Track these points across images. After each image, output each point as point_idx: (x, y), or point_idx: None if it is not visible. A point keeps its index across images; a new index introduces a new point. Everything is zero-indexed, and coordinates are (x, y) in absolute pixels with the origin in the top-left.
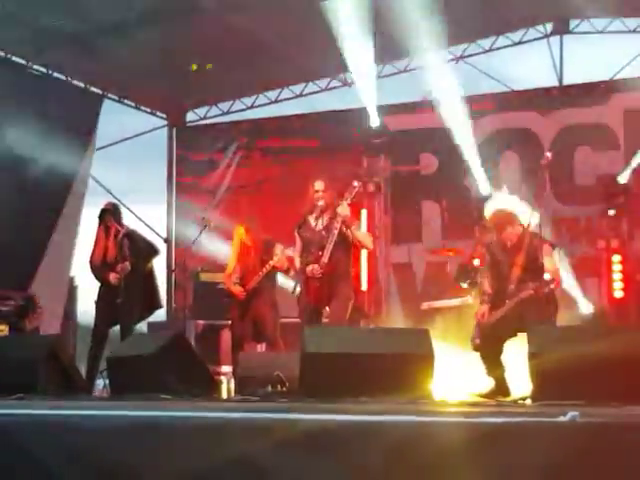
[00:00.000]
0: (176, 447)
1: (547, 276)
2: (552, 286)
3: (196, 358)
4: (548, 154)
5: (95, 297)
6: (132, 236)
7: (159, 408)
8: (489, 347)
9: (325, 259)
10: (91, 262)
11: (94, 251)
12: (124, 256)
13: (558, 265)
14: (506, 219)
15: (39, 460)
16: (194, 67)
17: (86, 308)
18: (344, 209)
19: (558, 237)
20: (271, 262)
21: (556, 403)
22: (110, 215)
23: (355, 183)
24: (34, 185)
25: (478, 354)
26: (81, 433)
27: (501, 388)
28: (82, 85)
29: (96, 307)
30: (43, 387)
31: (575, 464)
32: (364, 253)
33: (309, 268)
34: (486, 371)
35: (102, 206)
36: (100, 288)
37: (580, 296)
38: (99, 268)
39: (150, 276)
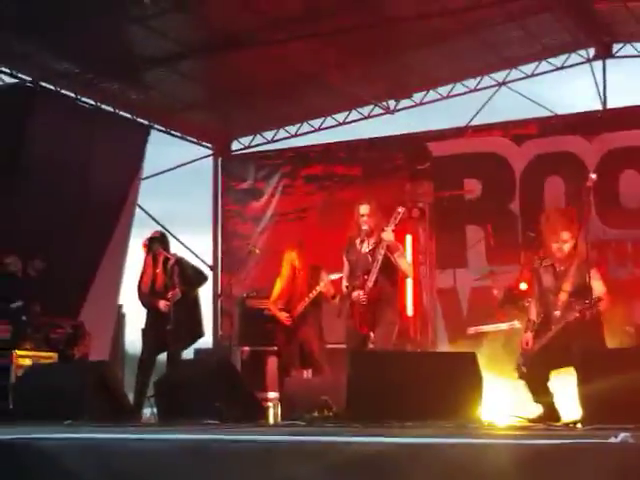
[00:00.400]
0: (225, 471)
1: (593, 297)
2: (599, 307)
3: (242, 384)
4: (593, 175)
5: (143, 325)
6: (181, 264)
7: (207, 432)
8: (535, 375)
9: (370, 283)
10: (139, 290)
11: (142, 279)
12: (174, 283)
13: (604, 287)
14: (560, 223)
15: None
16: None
17: (133, 336)
18: (388, 235)
19: (604, 260)
20: (318, 288)
21: (607, 427)
22: (158, 243)
23: (399, 209)
24: (83, 214)
25: (524, 382)
26: (129, 457)
27: (550, 414)
28: (129, 116)
29: (144, 334)
30: (92, 413)
31: None
32: (409, 279)
33: (355, 294)
34: (533, 399)
35: (150, 235)
36: (148, 316)
37: None
38: (147, 296)
39: (195, 304)
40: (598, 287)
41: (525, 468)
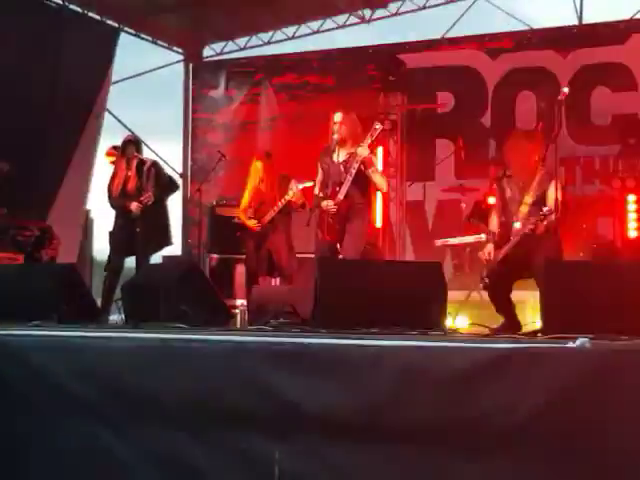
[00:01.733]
0: (192, 370)
1: (545, 209)
2: (552, 217)
3: (211, 289)
4: (565, 89)
5: (111, 228)
6: (159, 168)
7: (172, 333)
8: (496, 286)
9: (341, 196)
10: (109, 191)
11: (113, 181)
12: (145, 187)
13: (562, 198)
14: (523, 149)
15: (55, 379)
16: None
17: (101, 243)
18: (364, 150)
19: (572, 176)
20: (286, 196)
21: (566, 336)
22: (133, 146)
23: (377, 125)
24: (51, 117)
25: (488, 293)
26: (98, 355)
27: (512, 324)
28: (98, 18)
29: (112, 237)
30: (59, 316)
31: (584, 387)
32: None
33: (324, 203)
34: (496, 309)
35: (124, 138)
36: (116, 218)
37: None
38: (118, 198)
39: (165, 211)
40: (551, 194)
41: (486, 370)
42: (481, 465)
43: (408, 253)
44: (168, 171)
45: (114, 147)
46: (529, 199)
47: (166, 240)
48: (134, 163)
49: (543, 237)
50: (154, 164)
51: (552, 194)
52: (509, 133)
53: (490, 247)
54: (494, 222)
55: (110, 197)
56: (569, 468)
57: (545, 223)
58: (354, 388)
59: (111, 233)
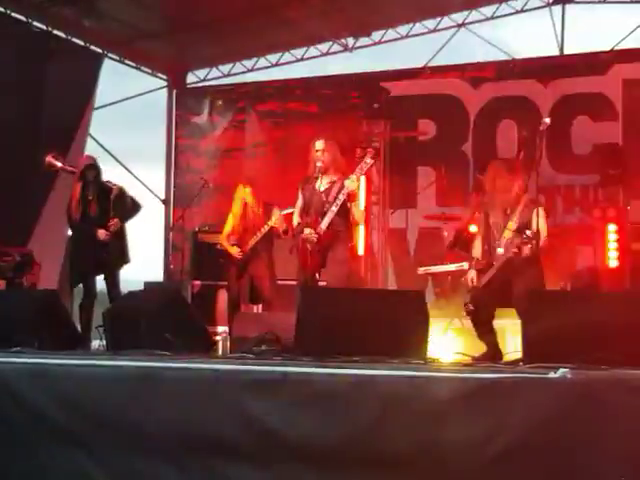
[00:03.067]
0: (171, 398)
1: (528, 232)
2: (534, 243)
3: (193, 316)
4: (547, 120)
5: (71, 249)
6: (124, 193)
7: (155, 360)
8: (480, 312)
9: (323, 226)
10: (69, 215)
11: (71, 204)
12: (107, 211)
13: (545, 225)
14: (505, 177)
15: (34, 407)
16: None
17: None
18: (352, 184)
19: (552, 205)
20: (269, 223)
21: (547, 365)
22: (94, 170)
23: (368, 159)
24: (32, 143)
25: (470, 320)
26: (80, 383)
27: (494, 352)
28: (82, 43)
29: (75, 259)
30: (40, 342)
31: (564, 419)
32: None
33: (306, 231)
34: (478, 336)
35: (85, 161)
36: (76, 241)
37: None
38: (81, 222)
39: (122, 231)
40: (541, 225)
41: (467, 400)
42: None
43: (390, 281)
44: (150, 197)
45: (54, 156)
46: (513, 225)
47: (125, 259)
48: (94, 187)
49: (526, 264)
50: (120, 190)
51: (535, 221)
52: (490, 162)
53: (473, 273)
54: (477, 248)
55: (70, 220)
56: None
57: (529, 247)
58: (335, 417)
59: (72, 254)
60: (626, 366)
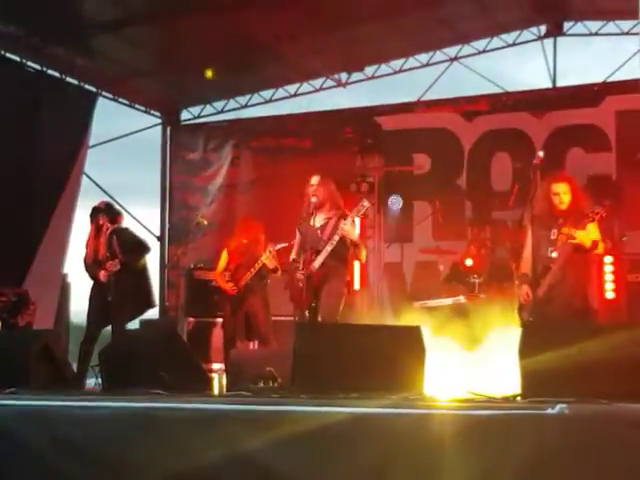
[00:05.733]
0: (169, 439)
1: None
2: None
3: (189, 354)
4: (540, 153)
5: (88, 295)
6: (120, 234)
7: (152, 401)
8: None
9: (317, 264)
10: (84, 260)
11: (86, 250)
12: (113, 254)
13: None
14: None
15: (31, 449)
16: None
17: (78, 307)
18: (348, 227)
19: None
20: (262, 258)
21: (545, 400)
22: (102, 214)
23: (365, 202)
24: (27, 182)
25: None
26: (75, 425)
27: None
28: (76, 82)
29: (89, 305)
30: (35, 382)
31: (563, 455)
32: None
33: (298, 275)
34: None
35: (95, 205)
36: (93, 286)
37: None
38: (90, 267)
39: (143, 274)
40: (594, 230)
41: (465, 437)
42: None
43: (388, 315)
44: (145, 234)
45: None
46: (567, 230)
47: (146, 303)
48: (103, 230)
49: (575, 268)
50: (114, 231)
51: (594, 229)
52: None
53: (526, 288)
54: (523, 265)
55: (85, 265)
56: None
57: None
58: (333, 455)
59: (89, 300)
60: (626, 400)
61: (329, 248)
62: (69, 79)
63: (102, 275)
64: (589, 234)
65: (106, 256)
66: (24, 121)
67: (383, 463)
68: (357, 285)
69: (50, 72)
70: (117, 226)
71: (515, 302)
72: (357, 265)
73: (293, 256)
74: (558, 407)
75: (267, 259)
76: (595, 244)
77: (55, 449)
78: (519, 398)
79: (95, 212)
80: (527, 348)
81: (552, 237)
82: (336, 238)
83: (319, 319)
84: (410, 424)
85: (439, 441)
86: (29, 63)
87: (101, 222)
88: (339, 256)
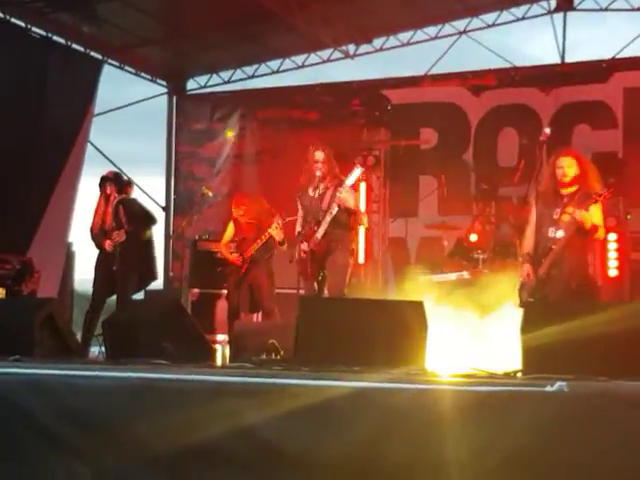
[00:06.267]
0: (171, 410)
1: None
2: (595, 235)
3: (192, 325)
4: (547, 130)
5: (94, 264)
6: (127, 204)
7: (155, 371)
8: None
9: (319, 235)
10: (91, 229)
11: (93, 219)
12: (120, 224)
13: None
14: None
15: (35, 418)
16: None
17: (83, 275)
18: (344, 195)
19: None
20: (269, 230)
21: (545, 376)
22: (110, 183)
23: (358, 167)
24: (32, 150)
25: None
26: (77, 394)
27: None
28: (82, 50)
29: (94, 274)
30: (39, 350)
31: (560, 433)
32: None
33: (303, 246)
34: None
35: (103, 174)
36: (98, 255)
37: None
38: (97, 236)
39: (148, 246)
40: (597, 214)
41: (464, 414)
42: None
43: (392, 289)
44: (150, 204)
45: None
46: (571, 209)
47: (150, 275)
48: (111, 200)
49: (576, 249)
50: (121, 201)
51: (598, 212)
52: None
53: (527, 267)
54: (529, 242)
55: (91, 234)
56: None
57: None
58: (334, 429)
59: (94, 269)
60: (625, 377)
61: (329, 218)
62: (75, 46)
63: (108, 245)
64: (592, 217)
65: (112, 226)
66: (28, 87)
67: (382, 437)
68: (362, 259)
69: (55, 38)
70: (124, 196)
71: (518, 280)
72: (362, 239)
73: (298, 229)
74: (557, 385)
75: (275, 231)
76: (595, 228)
77: (57, 418)
78: (520, 374)
79: (103, 181)
80: (529, 325)
81: (555, 217)
82: (335, 207)
83: (326, 291)
84: (410, 399)
85: (438, 417)
86: (34, 28)
87: (109, 191)
88: (341, 225)
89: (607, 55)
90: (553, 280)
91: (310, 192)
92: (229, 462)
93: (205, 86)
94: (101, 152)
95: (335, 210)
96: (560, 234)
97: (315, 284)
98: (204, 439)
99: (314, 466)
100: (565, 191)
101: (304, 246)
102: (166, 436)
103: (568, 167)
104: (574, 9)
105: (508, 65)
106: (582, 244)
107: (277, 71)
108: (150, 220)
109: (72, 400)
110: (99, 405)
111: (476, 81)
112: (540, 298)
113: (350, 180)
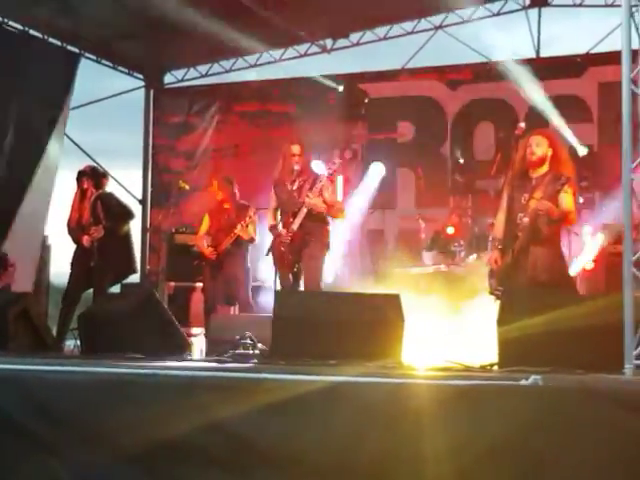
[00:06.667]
0: (145, 405)
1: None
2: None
3: (168, 318)
4: (522, 124)
5: (70, 259)
6: (105, 199)
7: (128, 366)
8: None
9: (295, 226)
10: (68, 224)
11: (70, 213)
12: (97, 219)
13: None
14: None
15: (8, 413)
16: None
17: (59, 268)
18: (313, 201)
19: None
20: (242, 223)
21: (521, 369)
22: (87, 177)
23: (336, 160)
24: (8, 144)
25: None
26: (52, 389)
27: None
28: (59, 43)
29: (70, 269)
30: (13, 344)
31: (535, 427)
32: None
33: (281, 230)
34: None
35: (81, 168)
36: (75, 250)
37: None
38: (74, 230)
39: (125, 240)
40: (568, 200)
41: (440, 408)
42: None
43: (369, 281)
44: (127, 197)
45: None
46: (539, 194)
47: (127, 269)
48: (88, 195)
49: (545, 236)
50: (99, 196)
51: (569, 199)
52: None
53: (496, 253)
54: (499, 228)
55: (68, 229)
56: None
57: (558, 203)
58: (308, 423)
59: (70, 264)
60: (600, 368)
61: (305, 210)
62: (52, 40)
63: (85, 240)
64: (562, 202)
65: (90, 221)
66: (5, 80)
67: (357, 433)
68: (339, 251)
69: (32, 32)
70: (102, 192)
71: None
72: (339, 230)
73: (270, 222)
74: (532, 378)
75: (241, 231)
76: (564, 215)
77: (31, 414)
78: (496, 367)
79: (80, 176)
80: (505, 317)
81: (523, 202)
82: (305, 209)
83: (301, 282)
84: (386, 394)
85: (414, 411)
86: (11, 22)
87: (85, 186)
88: (317, 217)
89: (581, 50)
90: (520, 269)
91: (288, 185)
92: (201, 457)
93: (182, 80)
94: (78, 145)
95: (304, 211)
96: (526, 220)
97: (290, 275)
98: (176, 434)
99: (286, 461)
100: (535, 173)
101: (283, 231)
102: (139, 431)
103: (537, 146)
104: (548, 5)
105: (484, 60)
106: (550, 232)
107: (254, 65)
108: (128, 215)
109: (46, 395)
110: (73, 400)
111: (453, 75)
112: (511, 288)
113: (328, 170)
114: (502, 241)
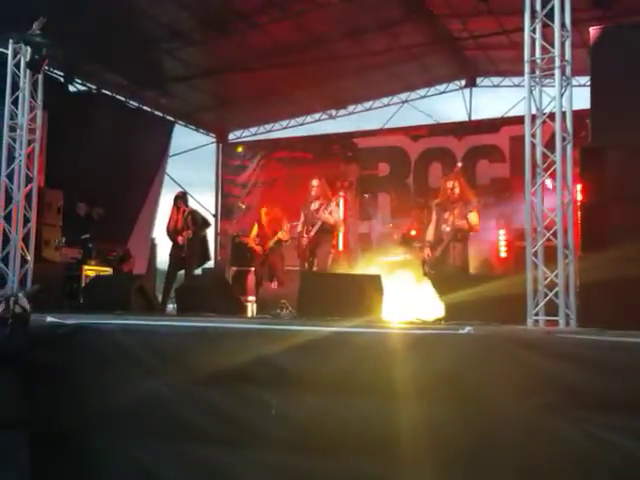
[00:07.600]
0: (216, 348)
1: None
2: (467, 226)
3: (232, 291)
4: (459, 164)
5: (168, 252)
6: (194, 214)
7: (207, 321)
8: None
9: (312, 233)
10: (167, 229)
11: (169, 222)
12: (188, 226)
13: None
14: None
15: (129, 352)
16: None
17: (161, 259)
18: (326, 216)
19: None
20: (279, 233)
21: (460, 323)
22: (180, 200)
23: (341, 193)
24: (130, 178)
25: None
26: (159, 336)
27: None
28: (161, 115)
29: (169, 258)
30: (134, 309)
31: (468, 361)
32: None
33: (302, 240)
34: (437, 293)
35: (176, 193)
36: (172, 246)
37: None
38: (171, 233)
39: (204, 240)
40: (474, 217)
41: (407, 349)
42: None
43: (361, 267)
44: (206, 213)
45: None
46: (457, 212)
47: (204, 258)
48: (181, 210)
49: (459, 241)
50: (191, 212)
51: (474, 216)
52: (443, 179)
53: (428, 250)
54: (430, 234)
55: (167, 232)
56: (456, 432)
57: (468, 220)
58: (321, 358)
59: (169, 255)
60: (511, 322)
61: (319, 223)
62: (156, 112)
63: (180, 239)
64: (470, 220)
65: (182, 227)
66: (127, 140)
67: (352, 365)
68: (341, 247)
69: (144, 107)
70: (191, 208)
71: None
72: (341, 234)
73: (299, 229)
74: (467, 329)
75: (282, 234)
76: (472, 227)
77: (145, 353)
78: (443, 321)
79: (176, 198)
80: (446, 290)
81: (445, 217)
82: (319, 222)
83: (315, 269)
84: (370, 339)
85: (390, 350)
86: (130, 101)
87: (179, 204)
88: (326, 229)
89: (499, 114)
90: (444, 261)
91: (309, 205)
92: (256, 380)
93: (240, 137)
94: (174, 180)
95: (320, 223)
96: (447, 229)
97: (306, 264)
98: (239, 365)
99: (309, 382)
100: (452, 201)
101: (304, 237)
102: (215, 363)
103: (453, 188)
104: (477, 86)
105: (434, 122)
106: (463, 238)
107: (286, 127)
108: (206, 224)
109: (155, 340)
110: (172, 343)
111: (414, 132)
112: (439, 271)
113: (335, 199)
114: (432, 242)
